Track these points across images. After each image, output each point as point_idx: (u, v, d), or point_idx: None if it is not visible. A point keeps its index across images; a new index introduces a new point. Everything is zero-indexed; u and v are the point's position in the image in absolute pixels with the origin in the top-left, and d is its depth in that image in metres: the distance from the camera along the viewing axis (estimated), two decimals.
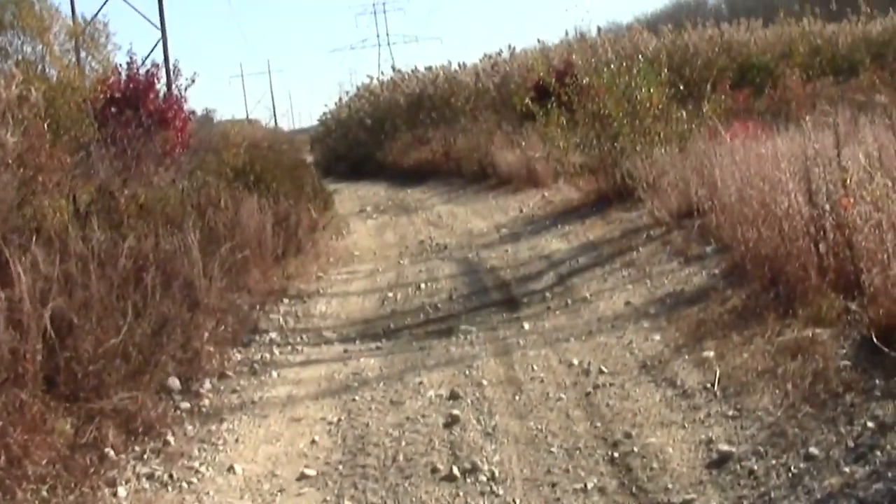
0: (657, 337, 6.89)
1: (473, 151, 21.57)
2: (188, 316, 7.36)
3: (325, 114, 41.60)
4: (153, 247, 7.98)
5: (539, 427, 5.47)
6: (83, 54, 22.33)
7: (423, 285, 10.28)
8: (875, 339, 5.20)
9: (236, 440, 5.76)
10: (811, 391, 5.11)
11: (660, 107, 13.53)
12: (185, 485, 5.17)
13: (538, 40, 31.91)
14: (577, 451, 5.09)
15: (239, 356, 7.76)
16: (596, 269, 9.82)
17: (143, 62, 18.13)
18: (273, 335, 8.54)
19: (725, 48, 27.00)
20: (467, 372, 6.67)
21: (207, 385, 6.80)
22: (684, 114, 13.47)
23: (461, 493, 4.76)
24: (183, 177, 12.90)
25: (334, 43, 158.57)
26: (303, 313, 9.49)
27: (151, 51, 24.06)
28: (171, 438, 5.72)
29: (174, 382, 6.63)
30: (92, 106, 16.23)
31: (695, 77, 21.12)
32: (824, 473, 4.27)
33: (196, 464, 5.42)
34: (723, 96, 14.43)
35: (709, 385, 5.66)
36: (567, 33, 32.36)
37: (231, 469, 5.32)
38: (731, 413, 5.21)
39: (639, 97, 13.53)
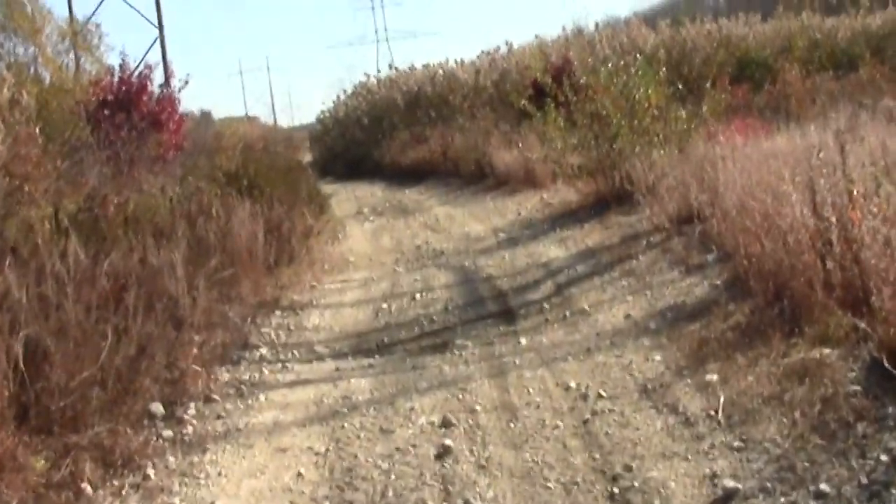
0: (658, 357, 6.63)
1: (471, 151, 21.38)
2: (173, 335, 7.12)
3: (322, 112, 41.41)
4: (137, 263, 7.75)
5: (535, 459, 5.22)
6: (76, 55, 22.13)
7: (418, 295, 10.03)
8: (886, 363, 4.96)
9: (219, 473, 5.50)
10: (820, 420, 4.87)
11: (658, 106, 13.32)
12: None
13: (536, 36, 31.69)
14: (575, 486, 4.84)
15: (227, 376, 7.51)
16: (595, 278, 9.57)
17: (141, 61, 17.95)
18: (263, 351, 8.29)
19: (724, 43, 26.78)
20: (461, 396, 6.41)
21: (192, 410, 6.54)
22: (683, 113, 13.26)
23: None
24: (174, 182, 12.67)
25: (333, 39, 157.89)
26: (295, 326, 9.24)
27: (149, 49, 23.88)
28: (151, 472, 5.46)
29: (157, 408, 6.37)
30: (84, 109, 16.09)
31: (693, 74, 20.96)
32: None
33: (176, 500, 5.16)
34: (723, 94, 14.21)
35: (712, 412, 5.40)
36: (564, 28, 32.15)
37: None
38: (736, 444, 4.96)
39: (637, 96, 13.32)
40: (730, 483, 4.54)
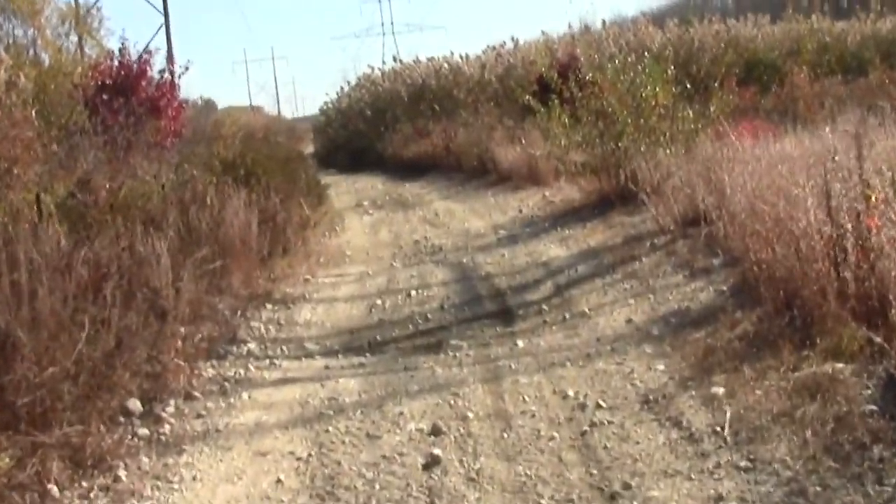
0: (661, 366, 6.31)
1: (474, 146, 21.13)
2: (156, 328, 6.82)
3: (326, 103, 41.19)
4: (122, 251, 7.45)
5: (528, 472, 4.91)
6: (76, 38, 21.87)
7: (414, 292, 9.74)
8: None
9: (194, 477, 5.19)
10: (833, 440, 4.57)
11: (665, 105, 13.05)
12: None
13: (542, 32, 31.45)
14: None
15: (211, 371, 7.22)
16: (596, 279, 9.28)
17: (146, 48, 17.70)
18: (252, 346, 8.01)
19: (732, 44, 26.55)
20: (452, 401, 6.09)
21: (171, 408, 6.23)
22: (690, 113, 12.98)
23: None
24: (170, 169, 12.38)
25: (339, 30, 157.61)
26: (286, 321, 8.95)
27: (154, 36, 23.66)
28: (122, 473, 5.15)
29: (135, 404, 6.07)
30: (83, 92, 15.84)
31: (701, 74, 20.69)
32: None
33: None
34: (730, 95, 13.93)
35: (718, 428, 5.08)
36: (570, 26, 31.90)
37: None
38: (743, 464, 4.64)
39: (644, 95, 13.04)
40: None
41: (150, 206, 9.87)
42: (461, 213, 15.95)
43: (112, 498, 4.93)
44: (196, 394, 6.60)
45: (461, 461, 5.13)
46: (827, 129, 7.27)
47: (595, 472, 4.85)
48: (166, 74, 17.70)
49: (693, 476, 4.64)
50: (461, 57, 31.89)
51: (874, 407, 4.75)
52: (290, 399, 6.48)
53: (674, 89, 13.38)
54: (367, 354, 7.62)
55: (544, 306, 8.52)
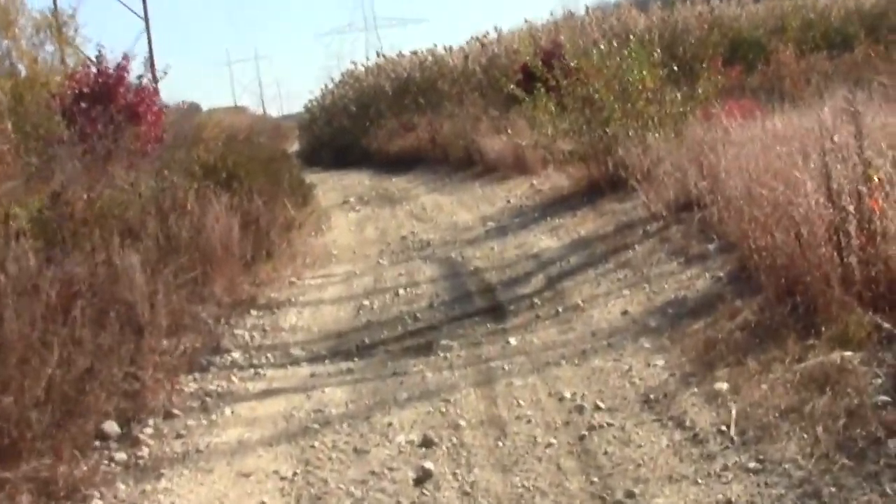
0: (660, 361, 6.04)
1: (459, 138, 20.86)
2: (132, 344, 6.54)
3: (310, 101, 40.88)
4: (95, 266, 7.17)
5: (525, 483, 4.64)
6: (52, 48, 21.52)
7: (402, 291, 9.48)
8: None
9: (172, 503, 4.94)
10: (846, 436, 4.31)
11: (652, 89, 12.78)
12: None
13: (525, 20, 31.16)
14: None
15: (193, 385, 6.94)
16: (588, 270, 9.01)
17: (124, 54, 17.37)
18: (235, 355, 7.73)
19: (716, 24, 26.30)
20: (444, 409, 5.82)
21: (149, 428, 5.96)
22: (678, 95, 12.72)
23: None
24: (149, 176, 12.09)
25: (321, 28, 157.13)
26: (271, 326, 8.68)
27: (136, 41, 23.40)
28: (97, 503, 4.89)
29: (111, 427, 5.80)
30: (60, 102, 15.58)
31: (687, 56, 20.45)
32: None
33: None
34: (718, 76, 13.66)
35: (724, 427, 4.82)
36: (552, 14, 31.63)
37: None
38: (752, 465, 4.38)
39: (630, 79, 12.77)
40: None
41: (127, 215, 9.60)
42: (448, 206, 15.67)
43: None
44: (176, 411, 6.31)
45: (454, 474, 4.86)
46: (825, 108, 6.95)
47: (596, 479, 4.59)
48: (144, 79, 17.48)
49: (699, 480, 4.39)
50: (445, 49, 31.60)
51: (886, 398, 4.49)
52: (274, 413, 6.21)
53: (660, 72, 13.13)
54: (355, 359, 7.36)
55: (536, 300, 8.26)
